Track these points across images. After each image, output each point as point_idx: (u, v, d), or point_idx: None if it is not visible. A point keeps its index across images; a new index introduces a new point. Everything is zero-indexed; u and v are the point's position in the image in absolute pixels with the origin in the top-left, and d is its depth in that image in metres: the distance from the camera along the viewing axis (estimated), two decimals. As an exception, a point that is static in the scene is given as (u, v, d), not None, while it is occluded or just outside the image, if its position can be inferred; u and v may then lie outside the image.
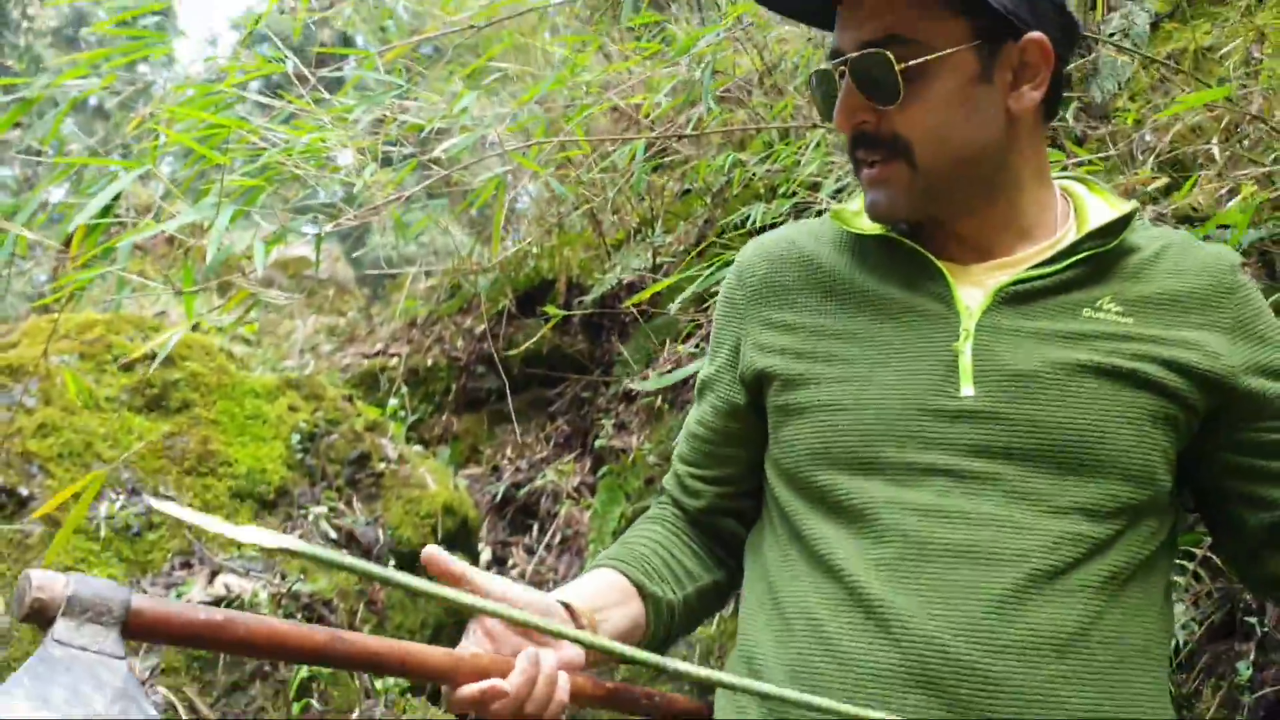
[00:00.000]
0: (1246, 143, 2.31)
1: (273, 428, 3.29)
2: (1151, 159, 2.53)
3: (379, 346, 5.06)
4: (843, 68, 1.23)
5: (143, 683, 2.60)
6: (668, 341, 3.94)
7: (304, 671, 2.69)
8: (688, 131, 3.19)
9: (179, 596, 2.77)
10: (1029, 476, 1.17)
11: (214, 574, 2.80)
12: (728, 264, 2.50)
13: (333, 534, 3.14)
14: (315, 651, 0.97)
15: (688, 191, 4.48)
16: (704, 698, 1.35)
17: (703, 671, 1.05)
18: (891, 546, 1.18)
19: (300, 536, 3.10)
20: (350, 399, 3.71)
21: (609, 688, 1.18)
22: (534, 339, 4.33)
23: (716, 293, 2.63)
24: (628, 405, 4.30)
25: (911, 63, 1.19)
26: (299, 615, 2.87)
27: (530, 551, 4.08)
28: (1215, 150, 2.25)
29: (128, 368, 3.15)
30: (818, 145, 2.90)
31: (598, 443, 4.22)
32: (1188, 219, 2.33)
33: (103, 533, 2.74)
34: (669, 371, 4.12)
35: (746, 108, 3.78)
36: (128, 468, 2.89)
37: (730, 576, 1.46)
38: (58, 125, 2.15)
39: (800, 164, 2.75)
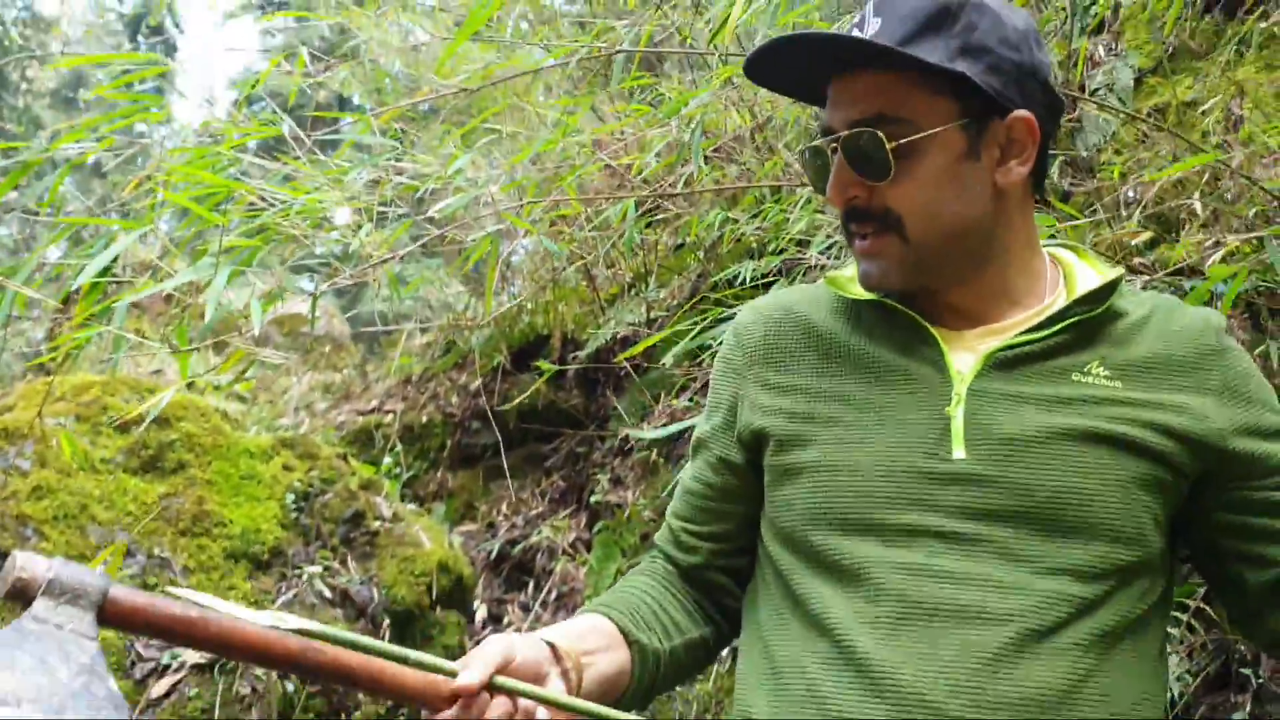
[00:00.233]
0: (1229, 196, 2.35)
1: (267, 487, 3.29)
2: (1137, 213, 2.56)
3: (374, 403, 5.07)
4: (834, 144, 1.26)
5: None
6: (662, 395, 3.96)
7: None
8: (679, 190, 3.23)
9: (173, 659, 2.75)
10: (1018, 538, 1.18)
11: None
12: (719, 320, 2.53)
13: (327, 593, 3.13)
14: (287, 658, 0.98)
15: (681, 246, 4.52)
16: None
17: None
18: (883, 605, 1.19)
19: (295, 596, 3.10)
20: (345, 457, 3.71)
21: None
22: (528, 394, 4.34)
23: (709, 347, 2.66)
24: (623, 460, 4.30)
25: (902, 141, 1.22)
26: (294, 676, 2.85)
27: (526, 609, 4.06)
28: (1198, 205, 2.28)
29: (123, 429, 3.16)
30: (806, 203, 2.93)
31: (593, 498, 4.21)
32: (1176, 273, 2.36)
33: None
34: (664, 425, 4.14)
35: (737, 164, 3.83)
36: (124, 529, 2.89)
37: (719, 633, 1.47)
38: (57, 187, 2.18)
39: (789, 221, 2.79)
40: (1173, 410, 1.23)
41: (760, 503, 1.39)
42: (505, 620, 4.05)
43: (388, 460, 4.55)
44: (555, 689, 1.17)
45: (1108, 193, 2.72)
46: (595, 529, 4.09)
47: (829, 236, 2.85)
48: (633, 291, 4.51)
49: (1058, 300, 1.30)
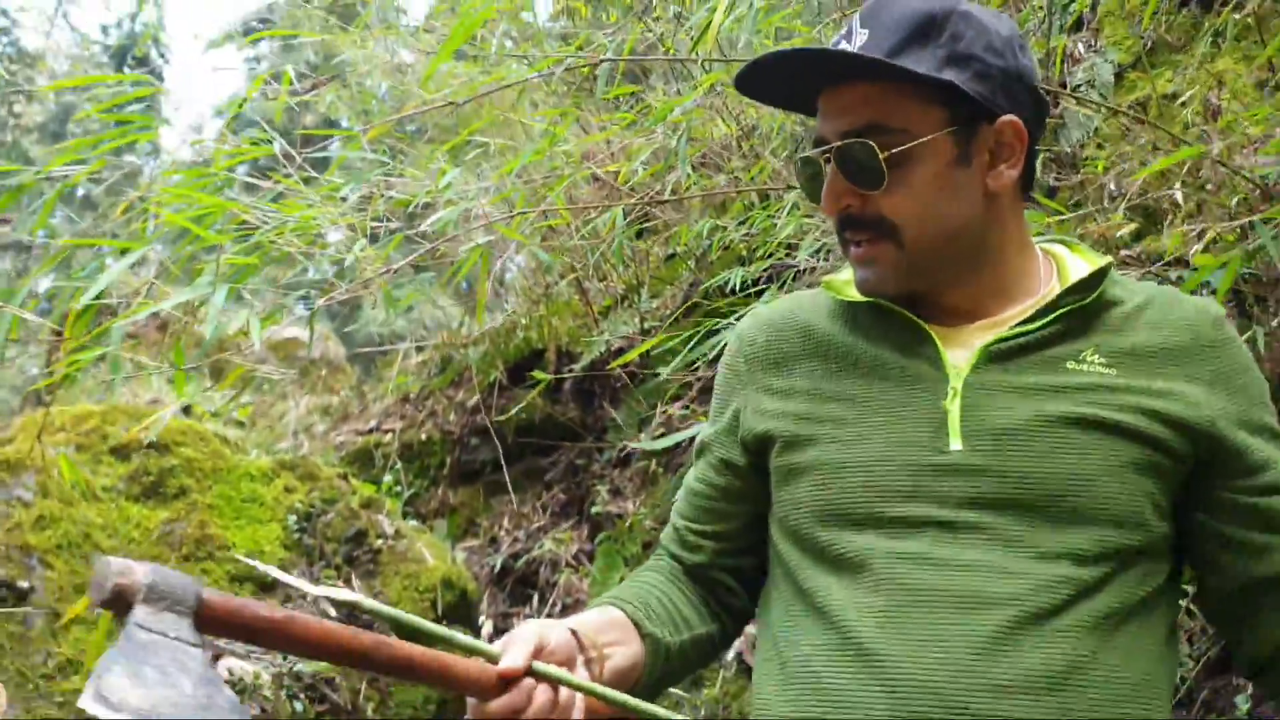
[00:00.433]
0: (1210, 186, 2.37)
1: (269, 509, 3.30)
2: (1122, 205, 2.59)
3: (372, 423, 5.08)
4: (828, 155, 1.29)
5: None
6: (659, 404, 3.97)
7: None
8: (667, 196, 3.25)
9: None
10: (1017, 525, 1.21)
11: (216, 658, 2.79)
12: (712, 332, 2.55)
13: (333, 612, 3.14)
14: (361, 653, 1.01)
15: (672, 256, 4.55)
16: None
17: None
18: (885, 594, 1.21)
19: (300, 616, 3.10)
20: (345, 477, 3.73)
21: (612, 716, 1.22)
22: (523, 405, 4.36)
23: (704, 355, 2.69)
24: (622, 471, 4.31)
25: (894, 150, 1.24)
26: (302, 695, 2.86)
27: (531, 622, 4.06)
28: (1179, 195, 2.31)
29: (124, 457, 3.17)
30: (794, 208, 2.96)
31: (594, 509, 4.23)
32: (1164, 265, 2.38)
33: (102, 624, 2.74)
34: (659, 436, 4.15)
35: (725, 172, 3.85)
36: (127, 556, 2.90)
37: (723, 630, 1.49)
38: (48, 211, 2.19)
39: (777, 226, 2.81)
40: (1167, 397, 1.24)
41: (762, 503, 1.41)
42: (510, 634, 4.04)
43: (388, 478, 4.57)
44: (581, 678, 1.20)
45: (1091, 186, 2.75)
46: (597, 540, 4.11)
47: (817, 240, 2.87)
48: (625, 303, 4.53)
49: (1051, 292, 1.32)
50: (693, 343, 2.45)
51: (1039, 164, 2.85)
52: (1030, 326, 1.29)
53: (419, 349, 5.55)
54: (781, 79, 1.32)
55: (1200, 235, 2.26)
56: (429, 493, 4.74)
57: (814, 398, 1.35)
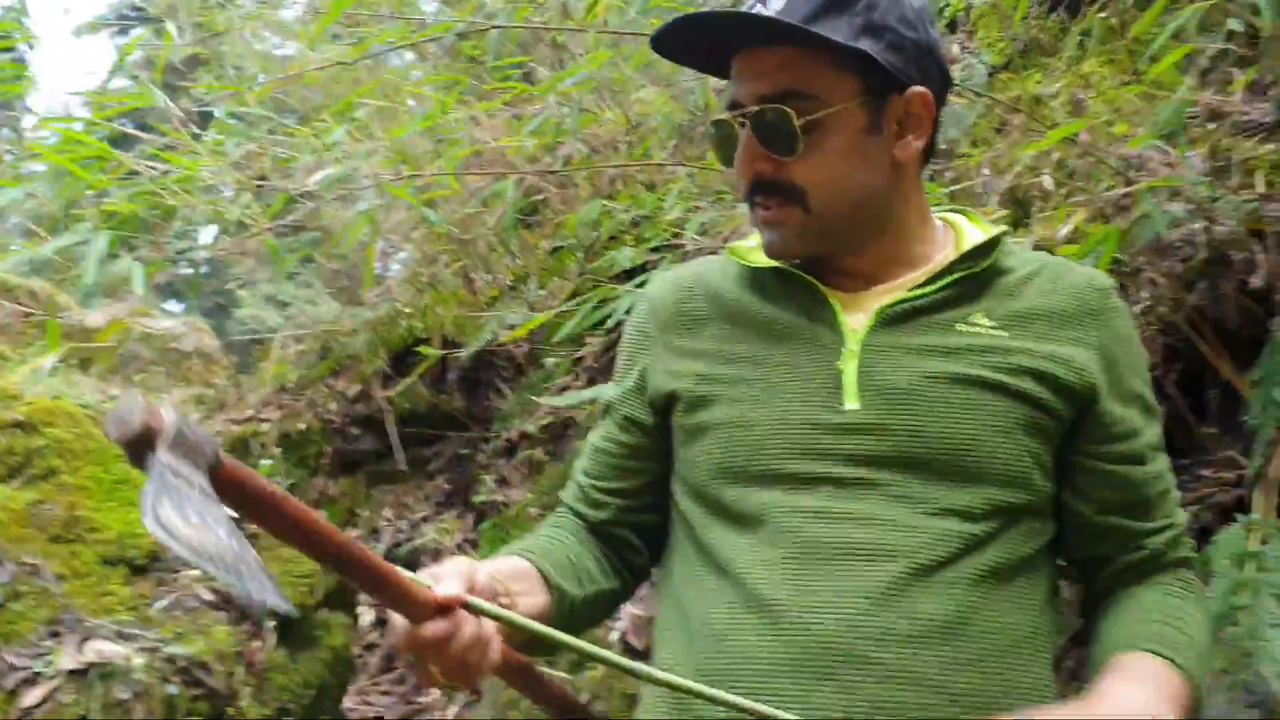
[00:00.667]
0: (1075, 176, 2.49)
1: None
2: (995, 198, 2.69)
3: (249, 413, 4.97)
4: (743, 119, 1.31)
5: None
6: (544, 393, 3.98)
7: None
8: (557, 168, 3.27)
9: (47, 666, 2.67)
10: (909, 481, 1.25)
11: (84, 640, 2.70)
12: (602, 301, 2.57)
13: (208, 596, 3.06)
14: (336, 545, 0.99)
15: (559, 248, 4.56)
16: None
17: (637, 666, 1.16)
18: (782, 548, 1.25)
19: (175, 600, 3.02)
20: (222, 462, 3.63)
21: (522, 663, 1.22)
22: (403, 388, 4.31)
23: (595, 329, 2.71)
24: (508, 460, 4.30)
25: (809, 117, 1.27)
26: (176, 679, 2.79)
27: (413, 610, 4.01)
28: (1048, 181, 2.41)
29: (-14, 435, 3.05)
30: (680, 193, 3.00)
31: (478, 498, 4.21)
32: (1039, 250, 2.48)
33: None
34: (546, 426, 4.16)
35: (613, 162, 3.88)
36: (-10, 536, 2.79)
37: (624, 587, 1.51)
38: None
39: (665, 209, 2.85)
40: (1053, 360, 1.29)
41: (666, 463, 1.44)
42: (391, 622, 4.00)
43: (266, 464, 4.46)
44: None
45: (965, 178, 2.85)
46: (481, 528, 4.09)
47: (701, 224, 2.92)
48: (513, 293, 4.52)
49: (946, 258, 1.37)
50: (590, 308, 2.47)
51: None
52: (924, 290, 1.33)
53: (297, 339, 5.45)
54: (697, 39, 1.34)
55: (1067, 219, 2.37)
56: (308, 483, 4.66)
57: (718, 359, 1.38)
